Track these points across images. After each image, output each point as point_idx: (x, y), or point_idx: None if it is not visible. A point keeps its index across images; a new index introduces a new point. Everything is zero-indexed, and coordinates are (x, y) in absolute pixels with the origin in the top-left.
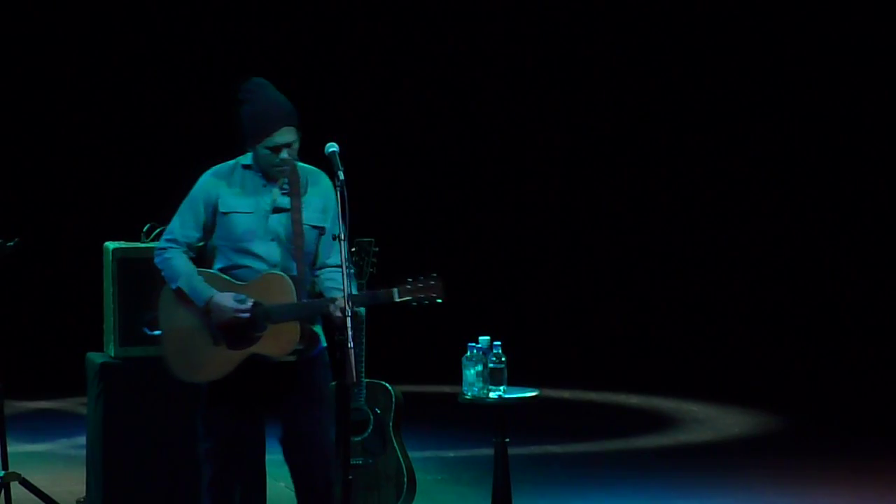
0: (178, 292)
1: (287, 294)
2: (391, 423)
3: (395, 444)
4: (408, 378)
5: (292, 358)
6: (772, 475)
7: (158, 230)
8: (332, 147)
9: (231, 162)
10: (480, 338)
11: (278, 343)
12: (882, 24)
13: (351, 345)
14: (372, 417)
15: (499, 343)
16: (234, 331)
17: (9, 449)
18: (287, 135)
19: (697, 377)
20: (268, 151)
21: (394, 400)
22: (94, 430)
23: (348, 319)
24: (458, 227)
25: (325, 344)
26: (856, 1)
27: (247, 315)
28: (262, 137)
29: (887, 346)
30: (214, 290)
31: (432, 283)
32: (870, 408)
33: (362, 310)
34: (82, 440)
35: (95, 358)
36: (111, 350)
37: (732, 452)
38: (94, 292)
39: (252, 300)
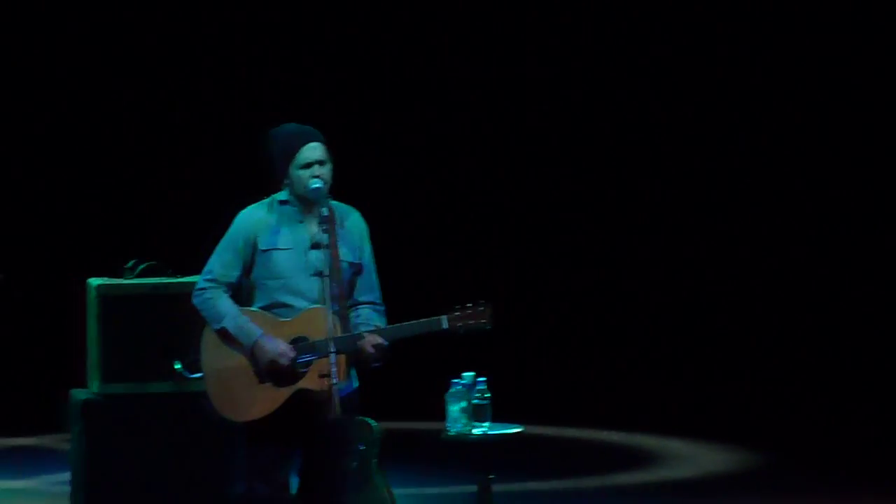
0: (222, 332)
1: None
2: (374, 460)
3: (379, 481)
4: (391, 414)
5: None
6: None
7: (142, 266)
8: (315, 183)
9: (267, 199)
10: (464, 374)
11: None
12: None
13: (335, 381)
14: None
15: (483, 379)
16: (279, 369)
17: None
18: (316, 150)
19: (680, 414)
20: (301, 172)
21: (377, 436)
22: (78, 466)
23: (332, 356)
24: (441, 262)
25: (356, 384)
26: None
27: (286, 362)
28: (292, 157)
29: (869, 382)
30: (260, 330)
31: (481, 309)
32: (852, 445)
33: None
34: (66, 477)
35: (79, 394)
36: (95, 386)
37: (715, 489)
38: (77, 329)
39: (292, 355)
